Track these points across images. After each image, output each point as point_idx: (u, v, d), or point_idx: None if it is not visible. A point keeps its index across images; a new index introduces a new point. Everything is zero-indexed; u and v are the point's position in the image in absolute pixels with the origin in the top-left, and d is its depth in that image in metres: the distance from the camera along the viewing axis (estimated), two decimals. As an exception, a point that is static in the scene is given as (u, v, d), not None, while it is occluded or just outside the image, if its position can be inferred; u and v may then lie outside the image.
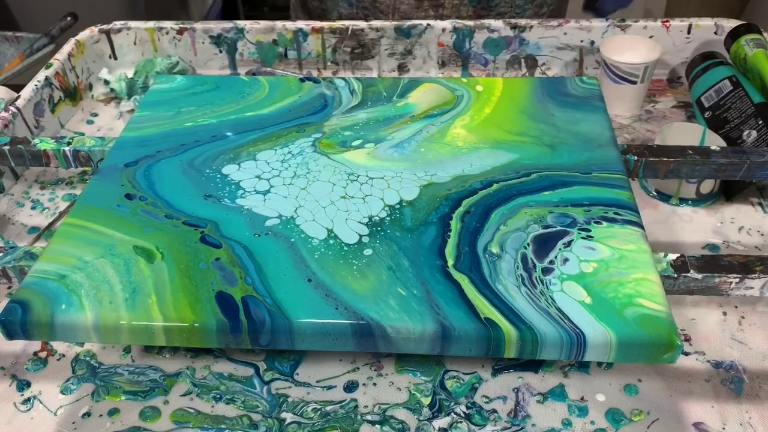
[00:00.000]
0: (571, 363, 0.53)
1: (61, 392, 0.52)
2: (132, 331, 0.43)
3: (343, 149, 0.57)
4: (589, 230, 0.47)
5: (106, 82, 0.88)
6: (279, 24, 0.88)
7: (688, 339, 0.54)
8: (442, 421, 0.49)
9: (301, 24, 0.87)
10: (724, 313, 0.56)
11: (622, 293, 0.43)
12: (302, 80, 0.66)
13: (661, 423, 0.49)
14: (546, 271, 0.45)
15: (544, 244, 0.47)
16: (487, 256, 0.46)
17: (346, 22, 0.87)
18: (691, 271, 0.47)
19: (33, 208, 0.71)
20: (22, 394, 0.52)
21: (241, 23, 0.88)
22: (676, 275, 0.47)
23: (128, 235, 0.48)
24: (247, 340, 0.43)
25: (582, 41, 0.86)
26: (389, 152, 0.56)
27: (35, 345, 0.56)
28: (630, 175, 0.58)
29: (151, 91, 0.64)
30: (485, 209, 0.50)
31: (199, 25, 0.88)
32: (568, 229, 0.48)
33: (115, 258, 0.47)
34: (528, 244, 0.47)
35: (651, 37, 0.83)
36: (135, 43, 0.90)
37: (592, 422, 0.49)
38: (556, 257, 0.46)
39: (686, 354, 0.53)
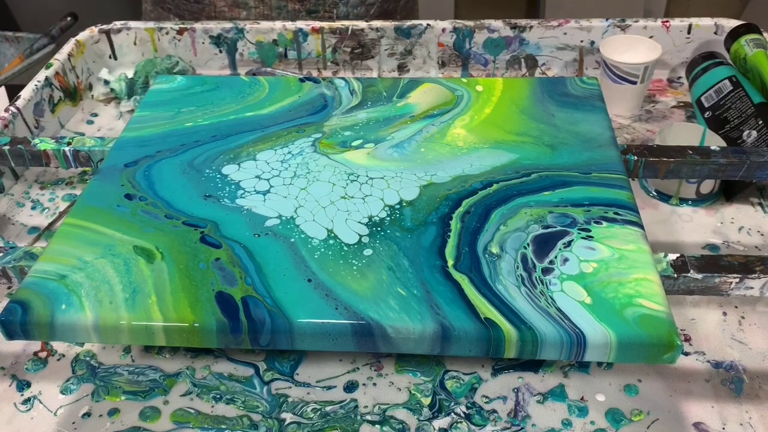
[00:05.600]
0: (571, 363, 0.53)
1: (61, 392, 0.52)
2: (132, 331, 0.43)
3: (343, 149, 0.57)
4: (589, 230, 0.47)
5: (106, 82, 0.88)
6: (279, 24, 0.88)
7: (688, 339, 0.54)
8: (442, 421, 0.49)
9: (301, 24, 0.88)
10: (724, 313, 0.56)
11: (622, 293, 0.43)
12: (302, 80, 0.66)
13: (661, 423, 0.49)
14: (546, 271, 0.45)
15: (544, 244, 0.47)
16: (487, 256, 0.46)
17: (346, 22, 0.87)
18: (691, 271, 0.47)
19: (33, 208, 0.71)
20: (22, 394, 0.52)
21: (241, 23, 0.88)
22: (676, 275, 0.47)
23: (128, 235, 0.48)
24: (247, 340, 0.43)
25: (582, 41, 0.86)
26: (389, 152, 0.56)
27: (35, 345, 0.56)
28: (630, 175, 0.58)
29: (151, 92, 0.64)
30: (485, 209, 0.50)
31: (199, 25, 0.88)
32: (568, 229, 0.48)
33: (115, 258, 0.47)
34: (528, 244, 0.47)
35: (651, 37, 0.83)
36: (135, 43, 0.90)
37: (592, 422, 0.49)
38: (556, 257, 0.46)
39: (686, 354, 0.53)
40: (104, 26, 0.90)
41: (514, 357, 0.42)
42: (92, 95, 0.89)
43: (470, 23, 0.86)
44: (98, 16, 1.03)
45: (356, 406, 0.50)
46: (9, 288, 0.61)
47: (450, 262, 0.46)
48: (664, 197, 0.68)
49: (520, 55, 0.87)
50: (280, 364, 0.53)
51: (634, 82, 0.77)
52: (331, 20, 0.93)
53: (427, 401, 0.50)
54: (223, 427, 0.49)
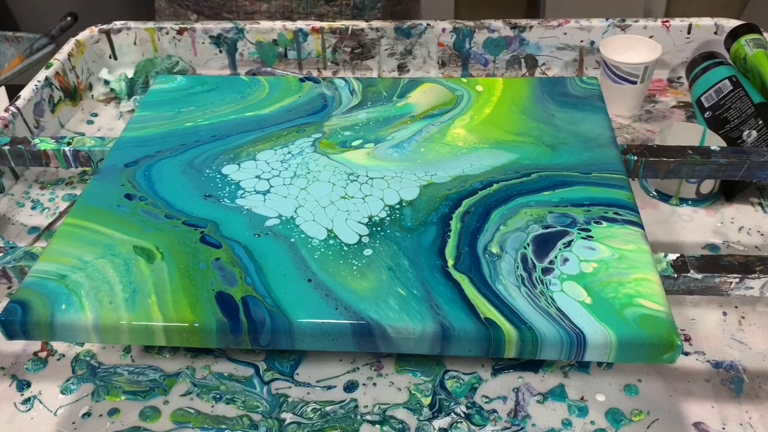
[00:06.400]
0: (571, 363, 0.53)
1: (61, 392, 0.52)
2: (132, 331, 0.43)
3: (343, 149, 0.57)
4: (589, 230, 0.47)
5: (106, 82, 0.88)
6: (279, 24, 0.88)
7: (688, 339, 0.54)
8: (442, 421, 0.49)
9: (301, 24, 0.88)
10: (724, 313, 0.56)
11: (622, 293, 0.43)
12: (302, 80, 0.66)
13: (661, 423, 0.49)
14: (546, 271, 0.45)
15: (544, 244, 0.47)
16: (487, 256, 0.46)
17: (346, 22, 0.87)
18: (691, 271, 0.47)
19: (33, 208, 0.71)
20: (22, 394, 0.52)
21: (241, 23, 0.88)
22: (676, 275, 0.47)
23: (128, 235, 0.48)
24: (247, 340, 0.43)
25: (582, 41, 0.86)
26: (389, 152, 0.56)
27: (35, 345, 0.56)
28: (630, 175, 0.58)
29: (151, 91, 0.64)
30: (485, 209, 0.50)
31: (199, 25, 0.88)
32: (568, 229, 0.48)
33: (115, 258, 0.47)
34: (528, 244, 0.47)
35: (651, 37, 0.83)
36: (135, 43, 0.90)
37: (592, 422, 0.49)
38: (556, 257, 0.46)
39: (686, 354, 0.53)
40: (104, 26, 0.90)
41: (514, 357, 0.42)
42: (92, 95, 0.89)
43: (470, 23, 0.86)
44: (98, 16, 1.03)
45: (356, 406, 0.50)
46: (9, 288, 0.61)
47: (450, 262, 0.46)
48: (664, 197, 0.68)
49: (520, 55, 0.87)
50: (280, 364, 0.53)
51: (634, 82, 0.77)
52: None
53: (427, 401, 0.50)
54: (223, 427, 0.49)
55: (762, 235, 0.63)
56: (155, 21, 0.91)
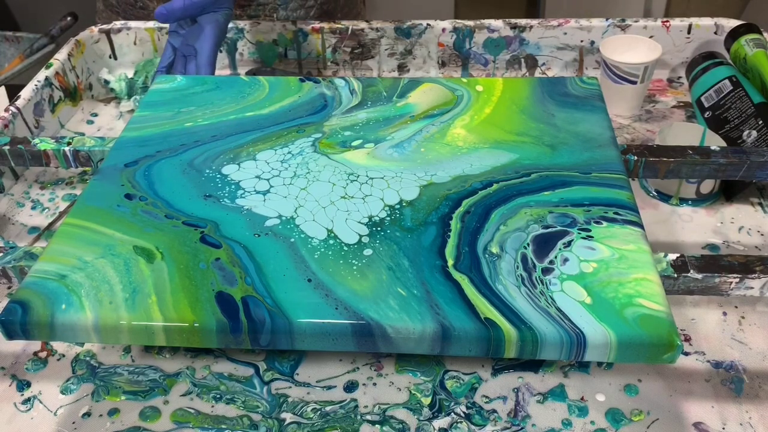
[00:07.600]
0: (571, 363, 0.53)
1: (61, 392, 0.52)
2: (132, 331, 0.43)
3: (343, 149, 0.57)
4: (589, 230, 0.47)
5: (106, 82, 0.88)
6: (279, 24, 0.88)
7: (688, 339, 0.54)
8: (442, 421, 0.49)
9: (301, 24, 0.88)
10: (724, 313, 0.56)
11: (622, 293, 0.43)
12: (302, 80, 0.66)
13: (661, 423, 0.49)
14: (546, 271, 0.45)
15: (544, 244, 0.47)
16: (487, 256, 0.46)
17: (346, 22, 0.87)
18: (691, 271, 0.47)
19: (33, 208, 0.71)
20: (22, 394, 0.52)
21: (241, 23, 0.88)
22: (676, 275, 0.47)
23: (128, 235, 0.48)
24: (247, 340, 0.43)
25: (582, 41, 0.86)
26: (389, 152, 0.56)
27: (35, 345, 0.56)
28: (630, 175, 0.58)
29: (151, 91, 0.64)
30: (485, 209, 0.50)
31: (199, 25, 0.88)
32: (568, 229, 0.48)
33: (115, 258, 0.47)
34: (528, 244, 0.47)
35: (651, 37, 0.83)
36: (135, 43, 0.90)
37: (592, 422, 0.49)
38: (556, 257, 0.45)
39: (686, 354, 0.53)
40: (104, 26, 0.90)
41: (514, 357, 0.42)
42: (92, 95, 0.89)
43: (470, 23, 0.86)
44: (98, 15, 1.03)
45: (356, 406, 0.50)
46: (9, 288, 0.61)
47: (450, 262, 0.46)
48: (664, 197, 0.68)
49: (520, 55, 0.87)
50: (280, 364, 0.53)
51: (634, 82, 0.77)
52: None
53: (427, 401, 0.50)
54: (223, 427, 0.49)
55: (762, 235, 0.64)
56: (151, 22, 0.91)
